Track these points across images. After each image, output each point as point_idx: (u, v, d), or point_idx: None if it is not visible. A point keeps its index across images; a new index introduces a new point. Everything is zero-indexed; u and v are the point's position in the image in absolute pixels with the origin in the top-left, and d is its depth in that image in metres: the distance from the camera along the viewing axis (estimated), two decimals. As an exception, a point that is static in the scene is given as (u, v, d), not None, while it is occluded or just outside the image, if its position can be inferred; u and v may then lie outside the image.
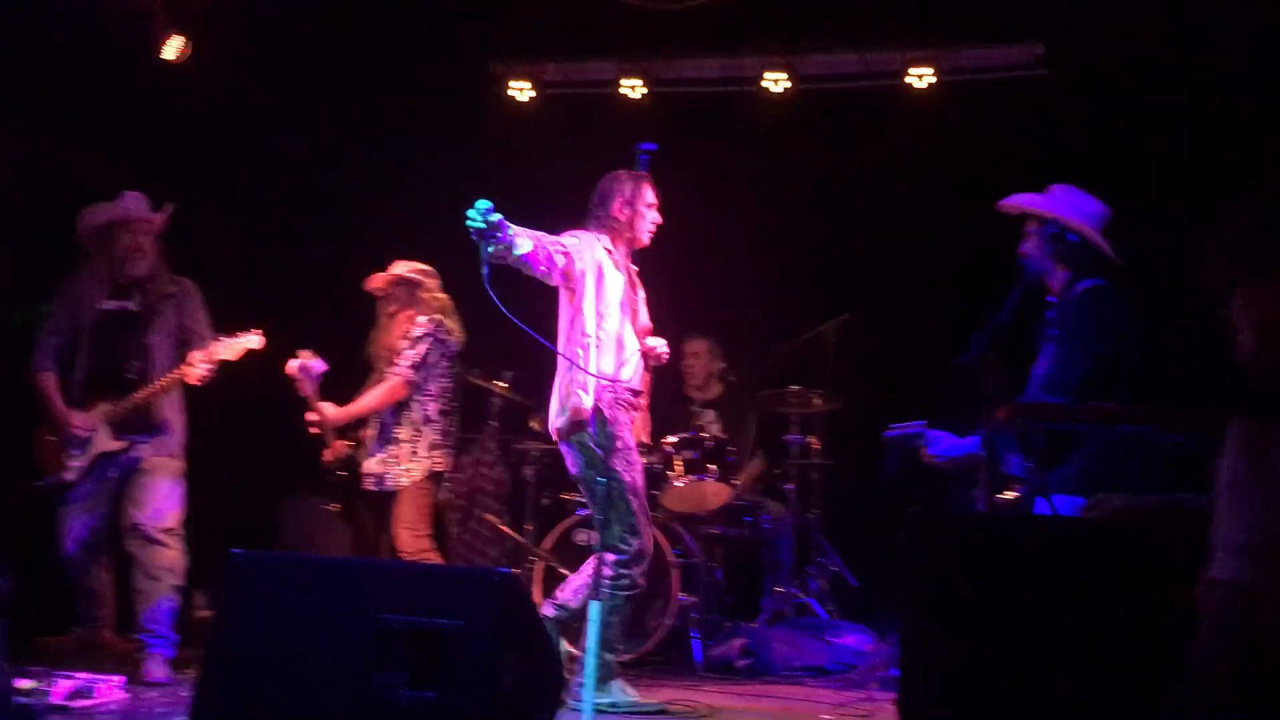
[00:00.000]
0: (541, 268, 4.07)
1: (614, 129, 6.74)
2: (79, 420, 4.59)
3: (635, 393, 4.32)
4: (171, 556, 4.60)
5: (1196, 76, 5.75)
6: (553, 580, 5.52)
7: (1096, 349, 3.63)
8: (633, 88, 6.97)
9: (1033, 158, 5.89)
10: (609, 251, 4.28)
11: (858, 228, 6.91)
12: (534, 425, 6.04)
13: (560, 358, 4.19)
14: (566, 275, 4.16)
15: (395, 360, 4.87)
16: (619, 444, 4.14)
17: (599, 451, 4.11)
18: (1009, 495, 3.62)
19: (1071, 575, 2.49)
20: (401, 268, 5.03)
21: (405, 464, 4.81)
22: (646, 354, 4.37)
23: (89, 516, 4.64)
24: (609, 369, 4.18)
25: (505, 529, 6.06)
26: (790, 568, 5.99)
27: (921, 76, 6.62)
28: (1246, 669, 1.53)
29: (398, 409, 4.87)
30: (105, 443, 4.61)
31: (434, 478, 4.87)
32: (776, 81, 6.81)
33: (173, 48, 5.66)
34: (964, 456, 3.79)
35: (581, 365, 4.09)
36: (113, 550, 4.76)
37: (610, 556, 4.13)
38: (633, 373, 4.29)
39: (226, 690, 2.74)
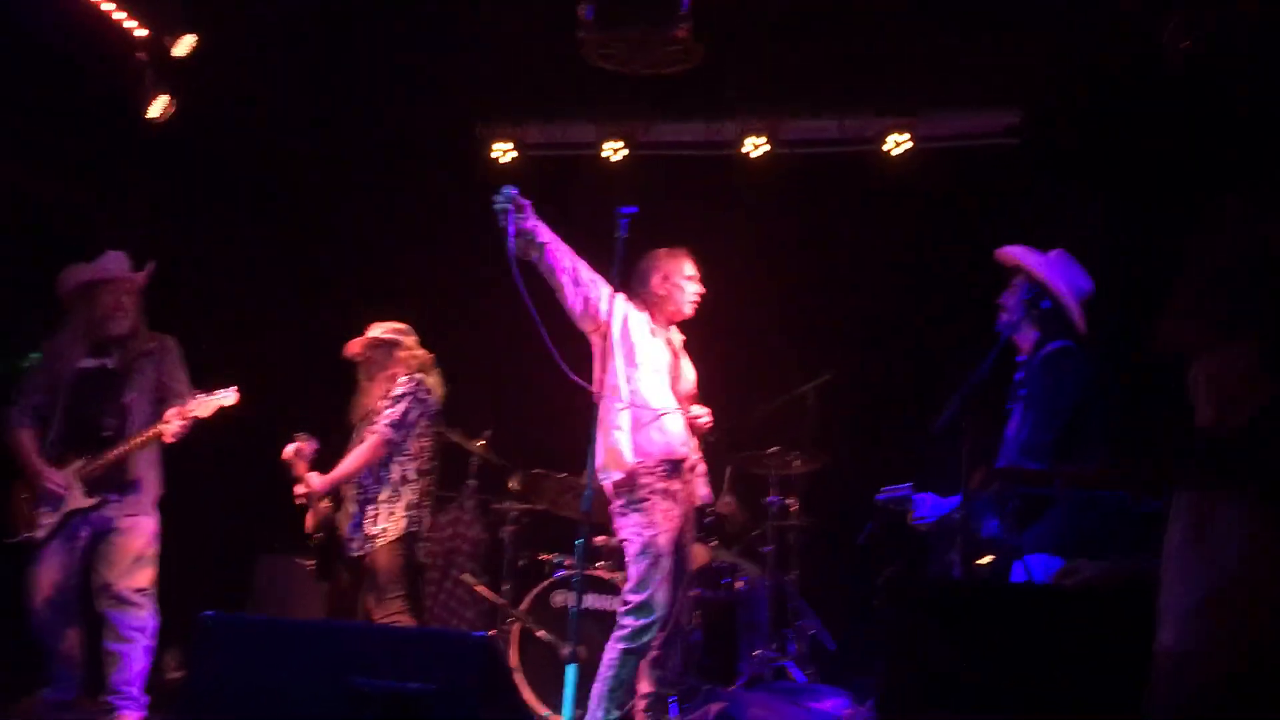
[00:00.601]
0: (564, 276, 4.19)
1: (595, 190, 6.81)
2: (53, 477, 4.56)
3: (674, 462, 4.36)
4: (143, 617, 4.55)
5: (1174, 146, 5.84)
6: (529, 642, 5.48)
7: (1066, 410, 3.70)
8: (614, 150, 7.05)
9: (1008, 223, 5.96)
10: (646, 322, 4.45)
11: (836, 290, 6.96)
12: (512, 485, 6.02)
13: (595, 417, 4.26)
14: (589, 305, 4.25)
15: (375, 420, 4.86)
16: (645, 505, 4.26)
17: (625, 512, 4.27)
18: (985, 560, 3.63)
19: (1045, 642, 2.50)
20: (378, 329, 5.04)
21: (382, 523, 4.78)
22: (690, 422, 4.45)
23: (59, 575, 4.58)
24: (644, 436, 4.31)
25: (482, 589, 6.02)
26: (767, 630, 5.95)
27: (899, 143, 6.73)
28: None
29: (376, 469, 4.85)
30: (77, 499, 4.57)
31: (409, 538, 4.83)
32: (756, 146, 6.90)
33: (158, 107, 5.71)
34: (948, 516, 3.83)
35: (609, 422, 4.25)
36: (83, 610, 4.70)
37: (621, 607, 4.25)
38: (671, 441, 4.36)
39: (195, 755, 2.70)
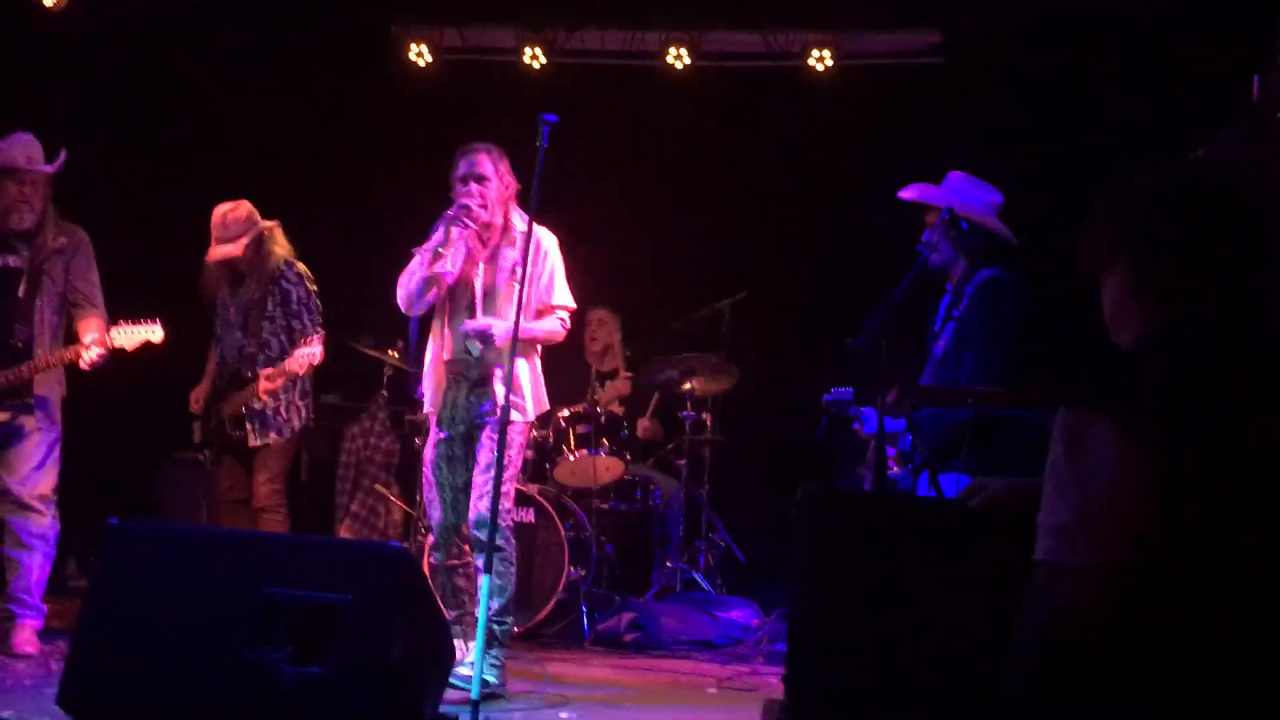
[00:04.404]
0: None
1: (514, 98, 6.66)
2: None
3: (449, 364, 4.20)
4: (45, 524, 4.42)
5: (1096, 56, 5.88)
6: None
7: (1006, 339, 3.68)
8: (534, 57, 6.90)
9: (930, 143, 5.98)
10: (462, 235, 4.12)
11: (756, 206, 6.96)
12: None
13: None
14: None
15: (305, 328, 4.70)
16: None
17: None
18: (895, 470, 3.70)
19: (952, 557, 2.56)
20: (237, 230, 4.71)
21: (286, 415, 4.69)
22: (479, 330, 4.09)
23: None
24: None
25: (396, 500, 5.99)
26: (680, 542, 6.03)
27: (821, 59, 6.69)
28: (1053, 643, 1.64)
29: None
30: None
31: (303, 432, 4.79)
32: (679, 57, 6.81)
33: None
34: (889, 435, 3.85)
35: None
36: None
37: None
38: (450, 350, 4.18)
39: (98, 666, 2.65)
